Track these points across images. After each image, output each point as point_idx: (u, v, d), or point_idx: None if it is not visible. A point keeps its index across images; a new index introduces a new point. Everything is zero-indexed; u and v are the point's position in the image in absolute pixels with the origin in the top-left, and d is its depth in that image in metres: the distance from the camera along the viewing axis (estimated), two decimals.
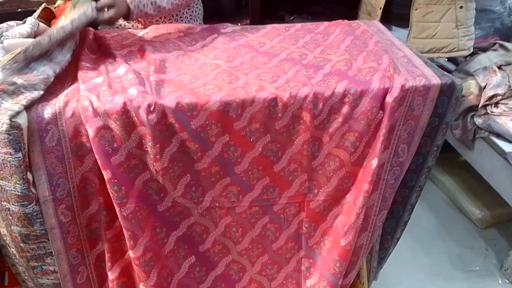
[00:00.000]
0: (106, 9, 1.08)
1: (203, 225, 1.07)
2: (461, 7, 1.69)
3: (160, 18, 1.35)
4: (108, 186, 0.91)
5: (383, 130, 1.00)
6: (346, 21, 1.34)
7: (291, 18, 2.17)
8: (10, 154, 0.81)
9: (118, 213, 0.94)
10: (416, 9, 1.66)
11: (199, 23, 1.45)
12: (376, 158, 1.02)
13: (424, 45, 1.68)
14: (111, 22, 1.12)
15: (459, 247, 1.87)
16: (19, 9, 1.57)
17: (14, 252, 0.93)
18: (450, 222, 2.00)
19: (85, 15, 1.01)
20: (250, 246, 1.12)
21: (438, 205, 2.09)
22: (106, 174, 0.90)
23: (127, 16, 1.14)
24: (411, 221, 1.31)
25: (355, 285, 1.24)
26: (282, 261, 1.16)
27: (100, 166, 0.89)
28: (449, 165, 2.15)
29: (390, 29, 1.67)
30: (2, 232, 0.90)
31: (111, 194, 0.92)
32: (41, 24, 1.10)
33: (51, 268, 0.96)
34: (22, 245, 0.91)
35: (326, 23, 1.34)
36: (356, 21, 1.37)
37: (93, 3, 1.04)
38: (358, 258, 1.16)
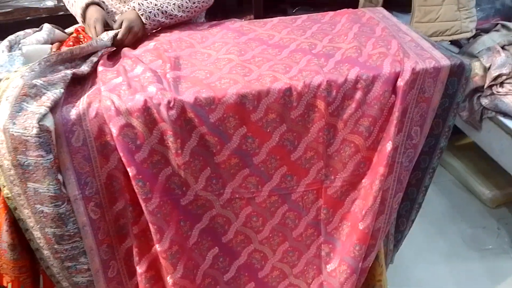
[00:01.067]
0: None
1: (224, 217, 1.10)
2: None
3: None
4: (133, 182, 0.94)
5: (396, 114, 1.02)
6: (351, 10, 1.36)
7: (294, 11, 2.19)
8: (42, 156, 0.83)
9: (143, 208, 0.96)
10: None
11: (203, 20, 1.48)
12: (390, 142, 1.04)
13: (427, 29, 1.69)
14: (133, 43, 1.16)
15: (472, 227, 1.90)
16: (28, 17, 1.60)
17: (49, 255, 0.96)
18: (462, 204, 2.02)
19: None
20: (270, 235, 1.15)
21: (449, 187, 2.11)
22: (131, 171, 0.92)
23: (143, 29, 1.18)
24: (423, 205, 1.33)
25: (374, 267, 1.26)
26: (302, 247, 1.19)
27: (125, 163, 0.92)
28: (457, 147, 2.17)
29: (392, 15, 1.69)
30: (36, 236, 0.93)
31: (136, 190, 0.95)
32: (57, 31, 1.13)
33: (85, 267, 0.99)
34: (56, 246, 0.94)
35: (331, 13, 1.36)
36: (361, 9, 1.39)
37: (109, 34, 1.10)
38: (376, 241, 1.19)
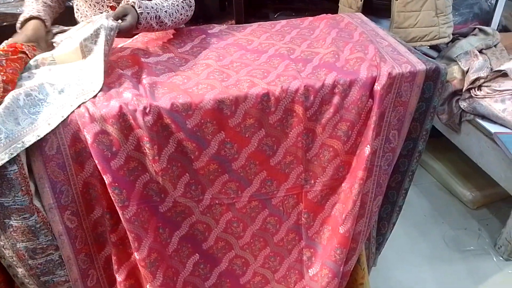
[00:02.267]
0: (120, 20, 1.05)
1: (204, 223, 1.09)
2: None
3: None
4: (109, 190, 0.92)
5: (373, 118, 1.03)
6: (330, 15, 1.37)
7: (275, 16, 2.20)
8: (5, 168, 0.81)
9: (121, 216, 0.95)
10: None
11: (182, 25, 1.47)
12: (368, 146, 1.05)
13: (407, 34, 1.72)
14: (130, 31, 1.08)
15: (453, 228, 1.92)
16: (5, 23, 1.57)
17: (24, 272, 0.93)
18: (443, 205, 2.05)
19: (111, 29, 0.99)
20: (252, 240, 1.14)
21: (430, 189, 2.14)
22: (107, 179, 0.91)
23: (134, 26, 1.10)
24: (405, 207, 1.35)
25: (356, 271, 1.27)
26: (284, 252, 1.19)
27: (100, 171, 0.91)
28: (438, 150, 2.20)
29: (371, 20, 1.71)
30: (7, 254, 0.90)
31: (112, 198, 0.93)
32: None
33: (62, 279, 0.97)
34: (30, 262, 0.91)
35: (310, 18, 1.37)
36: (339, 14, 1.40)
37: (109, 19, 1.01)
38: (357, 244, 1.19)
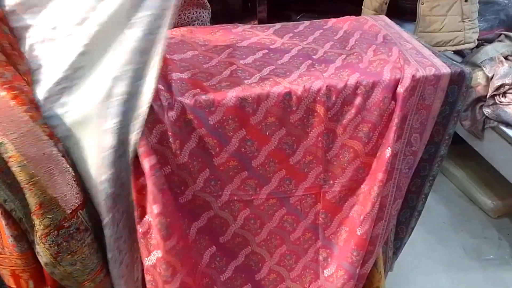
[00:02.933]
0: None
1: (222, 218, 1.10)
2: (466, 0, 1.71)
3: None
4: None
5: (395, 120, 1.02)
6: (353, 17, 1.37)
7: (298, 17, 2.21)
8: None
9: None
10: (423, 3, 1.69)
11: (207, 24, 1.49)
12: (389, 148, 1.04)
13: (431, 39, 1.71)
14: None
15: (473, 237, 1.89)
16: None
17: None
18: (463, 213, 2.02)
19: None
20: (268, 237, 1.15)
21: (450, 196, 2.11)
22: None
23: None
24: (424, 213, 1.33)
25: (373, 274, 1.26)
26: (300, 251, 1.19)
27: None
28: (459, 156, 2.17)
29: (400, 25, 1.70)
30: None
31: None
32: None
33: None
34: None
35: (333, 20, 1.37)
36: (363, 16, 1.40)
37: None
38: (375, 247, 1.18)
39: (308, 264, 1.21)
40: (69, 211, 0.86)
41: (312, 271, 1.22)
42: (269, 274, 1.20)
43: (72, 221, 0.87)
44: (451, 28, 1.70)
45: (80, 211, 0.89)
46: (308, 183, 1.10)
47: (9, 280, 0.95)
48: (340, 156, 1.08)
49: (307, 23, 1.35)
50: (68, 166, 0.85)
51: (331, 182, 1.10)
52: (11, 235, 0.88)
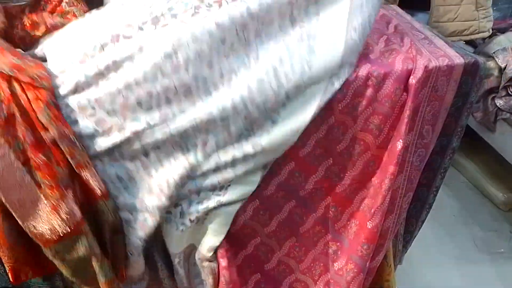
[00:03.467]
0: None
1: None
2: None
3: None
4: None
5: (407, 112, 1.00)
6: None
7: None
8: None
9: None
10: None
11: None
12: (401, 140, 1.03)
13: (446, 29, 1.67)
14: None
15: (483, 230, 1.87)
16: None
17: None
18: (474, 206, 2.00)
19: None
20: (277, 229, 1.14)
21: (461, 189, 2.09)
22: None
23: None
24: (434, 207, 1.31)
25: (383, 267, 1.25)
26: (309, 244, 1.18)
27: None
28: (470, 149, 2.14)
29: (412, 15, 1.67)
30: None
31: None
32: None
33: None
34: None
35: None
36: None
37: None
38: (385, 240, 1.17)
39: (318, 256, 1.20)
40: (42, 245, 0.84)
41: (322, 264, 1.21)
42: (279, 265, 1.20)
43: (46, 251, 0.85)
44: (465, 18, 1.66)
45: (53, 244, 0.85)
46: (318, 176, 1.09)
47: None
48: (351, 149, 1.06)
49: None
50: (41, 195, 0.81)
51: (342, 175, 1.09)
52: (12, 235, 0.87)
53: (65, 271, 0.91)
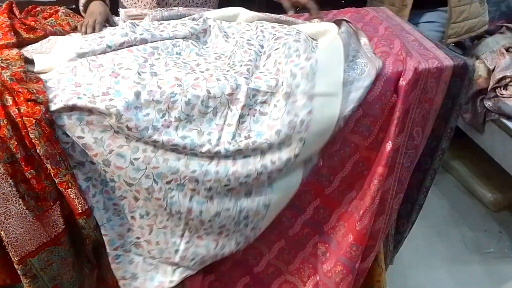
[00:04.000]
0: None
1: None
2: None
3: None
4: None
5: (397, 114, 1.01)
6: (354, 9, 1.35)
7: (297, 9, 2.17)
8: None
9: None
10: None
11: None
12: (390, 142, 1.03)
13: (461, 28, 1.69)
14: None
15: (473, 230, 1.88)
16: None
17: None
18: (463, 207, 2.01)
19: None
20: (266, 232, 1.13)
21: (450, 190, 2.10)
22: None
23: None
24: (424, 207, 1.32)
25: (373, 268, 1.25)
26: (298, 246, 1.18)
27: None
28: (459, 149, 2.15)
29: (422, 15, 1.69)
30: None
31: None
32: None
33: None
34: None
35: (334, 11, 1.34)
36: (364, 8, 1.37)
37: None
38: (376, 241, 1.18)
39: (306, 258, 1.20)
40: (17, 258, 0.84)
41: (311, 265, 1.21)
42: (268, 268, 1.19)
43: (19, 267, 0.86)
44: (475, 15, 1.69)
45: (31, 258, 0.86)
46: (307, 179, 1.08)
47: None
48: (341, 151, 1.06)
49: (306, 15, 1.33)
50: (25, 209, 0.82)
51: (331, 178, 1.09)
52: None
53: None
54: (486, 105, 1.76)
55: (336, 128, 0.95)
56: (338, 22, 1.10)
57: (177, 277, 1.01)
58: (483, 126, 1.82)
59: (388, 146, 1.03)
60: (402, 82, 0.99)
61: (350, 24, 1.10)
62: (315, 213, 1.14)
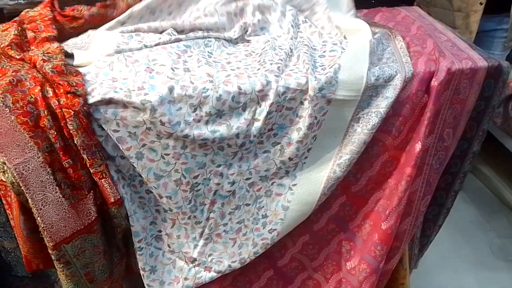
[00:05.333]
0: None
1: None
2: None
3: None
4: None
5: (427, 114, 1.00)
6: (386, 8, 1.34)
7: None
8: None
9: None
10: None
11: None
12: (419, 142, 1.02)
13: None
14: None
15: (500, 237, 1.84)
16: None
17: None
18: (491, 212, 1.97)
19: None
20: None
21: (478, 195, 2.06)
22: None
23: None
24: (451, 212, 1.30)
25: (398, 270, 1.24)
26: (323, 242, 1.18)
27: None
28: (489, 154, 2.10)
29: (491, 20, 1.66)
30: None
31: None
32: None
33: None
34: None
35: (365, 11, 1.34)
36: (396, 7, 1.36)
37: None
38: (401, 243, 1.17)
39: (330, 255, 1.20)
40: (52, 244, 0.87)
41: (334, 263, 1.21)
42: (291, 262, 1.20)
43: (53, 252, 0.89)
44: None
45: (65, 245, 0.89)
46: None
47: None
48: (369, 149, 1.06)
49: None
50: (61, 196, 0.85)
51: (358, 175, 1.09)
52: (28, 228, 0.90)
53: (63, 278, 0.94)
54: None
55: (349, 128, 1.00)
56: (373, 24, 1.10)
57: (191, 275, 1.06)
58: None
59: (418, 146, 1.02)
60: (434, 82, 0.98)
61: (386, 28, 1.11)
62: (340, 209, 1.14)
